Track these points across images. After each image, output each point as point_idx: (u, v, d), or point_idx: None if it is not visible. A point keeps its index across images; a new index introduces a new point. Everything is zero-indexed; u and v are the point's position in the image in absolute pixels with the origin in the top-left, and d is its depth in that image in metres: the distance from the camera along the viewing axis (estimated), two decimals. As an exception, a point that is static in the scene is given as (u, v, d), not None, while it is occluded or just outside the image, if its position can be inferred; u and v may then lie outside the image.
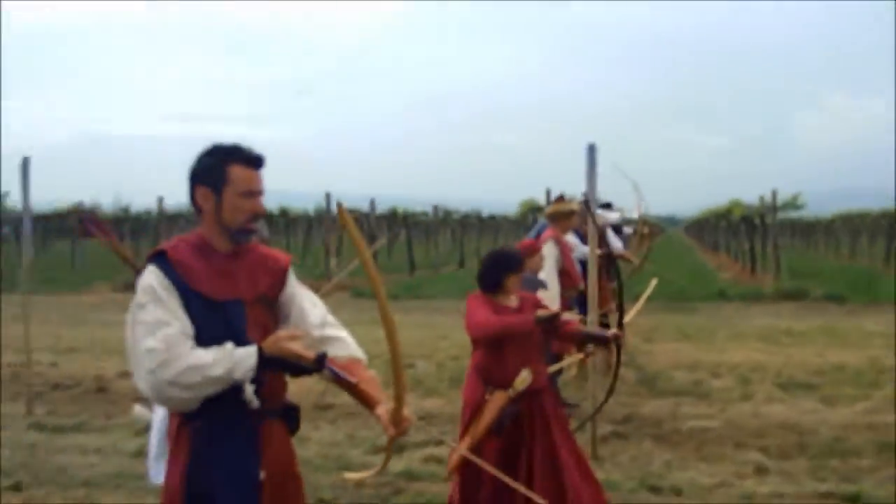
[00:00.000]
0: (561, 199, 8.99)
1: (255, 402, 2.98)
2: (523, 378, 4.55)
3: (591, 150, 7.08)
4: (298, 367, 2.97)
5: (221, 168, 3.06)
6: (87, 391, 9.59)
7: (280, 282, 3.21)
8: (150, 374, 2.90)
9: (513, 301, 5.00)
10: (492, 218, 39.97)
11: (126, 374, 10.11)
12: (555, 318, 4.84)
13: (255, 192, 3.09)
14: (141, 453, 7.10)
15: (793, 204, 20.66)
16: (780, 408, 8.60)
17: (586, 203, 10.51)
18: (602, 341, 5.28)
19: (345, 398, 8.97)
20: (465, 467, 4.76)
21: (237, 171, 3.06)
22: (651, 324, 14.11)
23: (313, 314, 3.23)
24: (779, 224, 49.33)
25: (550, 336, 5.17)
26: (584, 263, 8.62)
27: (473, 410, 4.73)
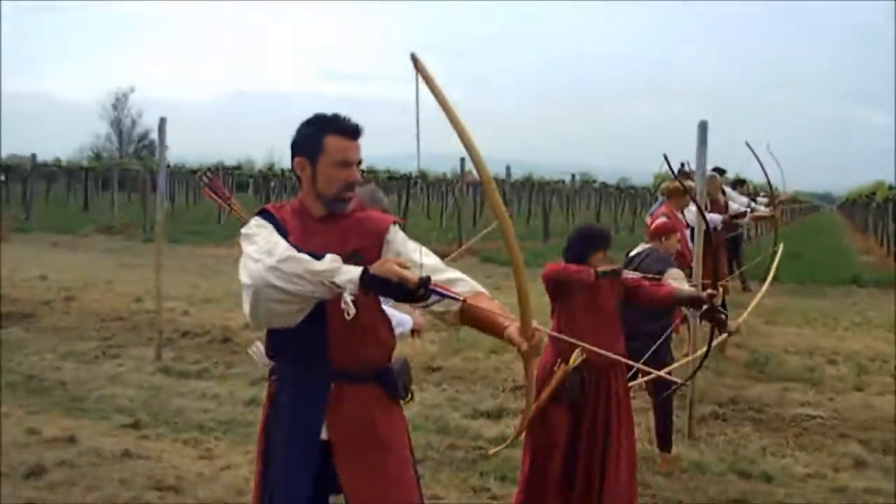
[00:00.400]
0: (687, 171, 8.93)
1: (352, 310, 2.88)
2: (575, 356, 4.63)
3: (703, 128, 7.03)
4: (403, 289, 2.87)
5: (317, 138, 3.16)
6: (213, 340, 10.07)
7: (375, 243, 3.21)
8: (255, 265, 2.92)
9: None
10: (631, 188, 39.49)
11: (249, 326, 10.62)
12: (617, 273, 4.90)
13: (349, 162, 3.17)
14: (254, 402, 7.52)
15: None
16: (894, 401, 8.35)
17: (714, 174, 10.43)
18: (696, 303, 5.10)
19: (454, 361, 9.25)
20: (535, 435, 4.91)
21: (332, 142, 3.15)
22: (775, 306, 13.81)
23: (428, 262, 3.16)
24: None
25: (639, 303, 5.19)
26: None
27: (543, 379, 4.86)
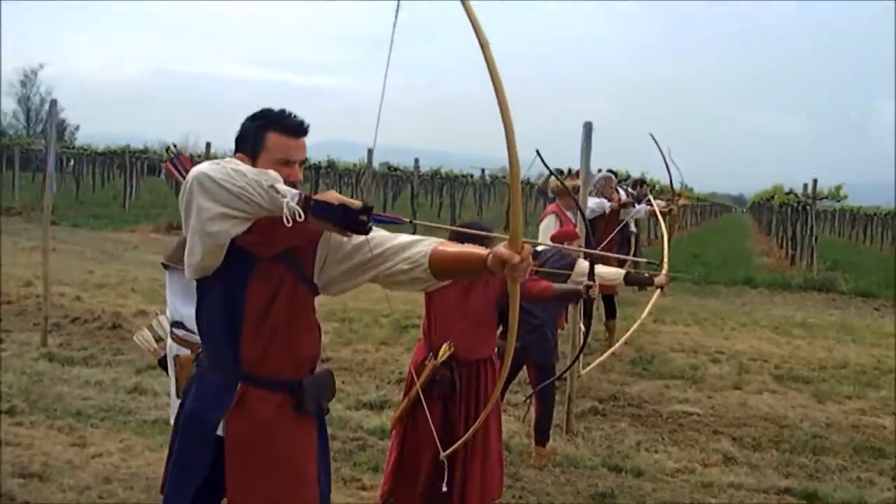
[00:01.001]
0: (565, 173, 9.12)
1: (299, 214, 2.75)
2: (444, 350, 4.75)
3: (588, 129, 7.17)
4: (345, 212, 2.77)
5: (260, 134, 3.05)
6: (102, 326, 9.91)
7: (309, 241, 3.09)
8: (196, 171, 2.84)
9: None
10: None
11: (142, 313, 10.51)
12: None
13: (290, 161, 3.07)
14: (137, 389, 7.49)
15: (835, 195, 20.37)
16: (770, 399, 8.64)
17: (609, 175, 10.67)
18: (574, 296, 5.45)
19: (344, 353, 9.28)
20: (405, 429, 5.00)
21: (274, 139, 3.04)
22: (665, 304, 14.17)
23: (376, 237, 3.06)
24: (834, 213, 48.51)
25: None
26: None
27: (415, 373, 4.95)
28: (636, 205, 11.21)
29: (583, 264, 6.14)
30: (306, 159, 3.17)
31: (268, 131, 3.04)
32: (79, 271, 13.46)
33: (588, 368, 7.44)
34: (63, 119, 70.92)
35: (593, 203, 9.48)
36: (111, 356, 8.70)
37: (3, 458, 5.67)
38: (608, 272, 6.30)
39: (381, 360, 8.99)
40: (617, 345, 7.11)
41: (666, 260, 6.90)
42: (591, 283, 5.40)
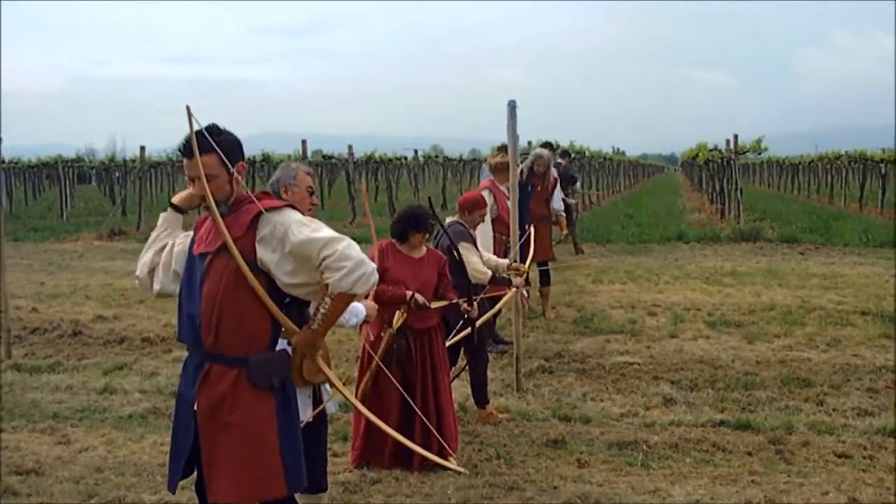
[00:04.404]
0: (503, 149, 9.52)
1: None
2: (398, 317, 5.28)
3: (512, 107, 7.52)
4: None
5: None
6: (63, 334, 10.16)
7: (244, 231, 3.56)
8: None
9: (418, 253, 5.72)
10: (475, 160, 40.37)
11: (101, 318, 10.81)
12: (424, 307, 5.61)
13: (191, 178, 3.70)
14: (107, 390, 7.83)
15: (756, 148, 21.14)
16: (704, 344, 9.24)
17: (542, 151, 11.19)
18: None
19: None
20: (371, 398, 5.51)
21: (184, 162, 3.69)
22: (602, 265, 14.83)
23: (311, 260, 3.50)
24: (761, 165, 49.74)
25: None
26: (524, 212, 9.29)
27: (370, 346, 5.46)
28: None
29: (465, 245, 6.69)
30: (209, 175, 3.59)
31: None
32: (30, 283, 13.65)
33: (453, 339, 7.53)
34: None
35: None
36: (76, 361, 8.99)
37: (-4, 459, 6.04)
38: (489, 265, 6.94)
39: (336, 340, 9.36)
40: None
41: (528, 266, 7.65)
42: (470, 308, 5.94)
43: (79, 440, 6.53)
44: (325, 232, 3.53)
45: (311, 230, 3.52)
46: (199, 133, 3.58)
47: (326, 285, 3.48)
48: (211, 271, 3.58)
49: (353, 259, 3.46)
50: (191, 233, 3.83)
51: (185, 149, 3.60)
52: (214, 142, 3.58)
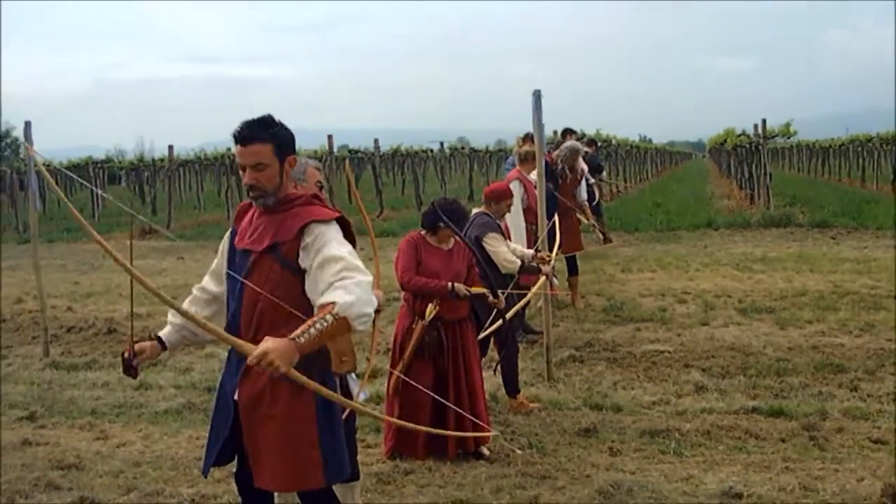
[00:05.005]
0: (529, 138, 9.52)
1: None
2: (430, 309, 5.32)
3: (537, 96, 7.55)
4: None
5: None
6: (98, 332, 10.35)
7: (292, 237, 3.56)
8: None
9: (447, 244, 5.76)
10: (501, 151, 40.34)
11: (134, 316, 10.90)
12: (465, 296, 5.65)
13: (242, 167, 3.64)
14: (143, 386, 7.92)
15: (785, 132, 20.98)
16: (735, 331, 9.20)
17: (576, 144, 11.22)
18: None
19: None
20: (405, 391, 5.56)
21: (236, 149, 3.63)
22: (631, 254, 14.81)
23: (325, 274, 3.46)
24: (791, 149, 49.27)
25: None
26: (554, 201, 9.28)
27: (401, 338, 5.52)
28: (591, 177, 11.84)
29: (493, 236, 6.79)
30: (261, 164, 3.58)
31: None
32: (65, 283, 13.86)
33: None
34: (16, 137, 70.23)
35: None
36: (112, 359, 9.11)
37: (37, 455, 6.16)
38: (518, 254, 7.00)
39: (367, 333, 9.39)
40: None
41: (555, 256, 7.60)
42: (497, 300, 5.91)
43: (116, 435, 6.64)
44: (357, 261, 3.52)
45: (347, 251, 3.53)
46: (254, 121, 3.60)
47: (323, 305, 3.37)
48: (255, 270, 3.62)
49: (368, 296, 3.42)
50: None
51: (237, 133, 3.60)
52: (269, 132, 3.59)
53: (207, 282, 3.95)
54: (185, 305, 3.85)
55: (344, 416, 3.91)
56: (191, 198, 37.11)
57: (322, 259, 3.48)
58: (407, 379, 5.28)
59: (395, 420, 4.82)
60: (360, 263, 3.48)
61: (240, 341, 3.44)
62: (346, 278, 3.38)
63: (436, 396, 5.28)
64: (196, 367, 8.50)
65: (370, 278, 3.47)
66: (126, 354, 3.70)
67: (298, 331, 3.28)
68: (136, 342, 3.73)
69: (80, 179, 22.74)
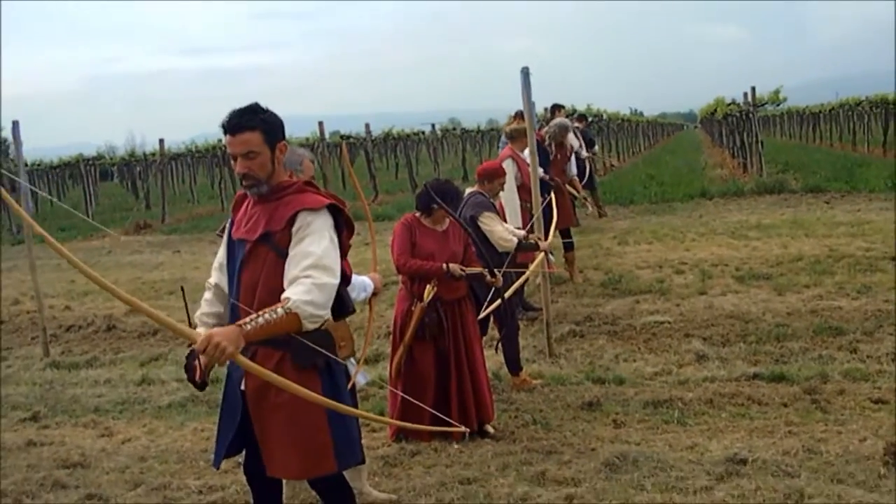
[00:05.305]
0: (519, 116, 9.50)
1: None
2: (428, 290, 5.33)
3: (525, 74, 7.52)
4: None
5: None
6: (98, 330, 10.33)
7: (283, 226, 3.57)
8: None
9: (442, 226, 5.76)
10: (493, 130, 40.28)
11: (133, 311, 10.92)
12: (461, 276, 5.65)
13: (234, 156, 3.63)
14: (145, 381, 7.94)
15: (775, 99, 20.95)
16: (733, 299, 9.23)
17: (565, 121, 11.22)
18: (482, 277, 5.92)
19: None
20: (407, 373, 5.58)
21: (226, 139, 3.62)
22: (626, 227, 14.82)
23: (293, 267, 3.50)
24: (782, 116, 49.27)
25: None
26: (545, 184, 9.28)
27: (401, 321, 5.53)
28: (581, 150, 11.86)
29: (488, 215, 6.80)
30: (252, 152, 3.57)
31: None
32: (62, 282, 13.81)
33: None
34: (5, 138, 69.98)
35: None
36: (113, 355, 9.13)
37: (42, 455, 6.16)
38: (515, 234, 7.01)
39: (366, 318, 9.41)
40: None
41: (552, 234, 7.91)
42: (494, 279, 5.87)
43: (121, 432, 6.65)
44: (330, 261, 3.52)
45: (322, 248, 3.52)
46: (242, 110, 3.59)
47: (282, 297, 3.43)
48: (251, 259, 3.64)
49: (325, 298, 3.46)
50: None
51: (225, 123, 3.59)
52: (257, 119, 3.58)
53: (218, 277, 3.90)
54: (205, 306, 3.87)
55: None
56: (184, 191, 37.02)
57: (297, 251, 3.52)
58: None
59: (390, 420, 4.83)
60: (331, 262, 3.51)
61: (183, 327, 3.42)
62: (310, 277, 3.43)
63: (443, 373, 5.32)
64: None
65: (336, 281, 3.51)
66: (198, 379, 3.63)
67: (247, 318, 3.35)
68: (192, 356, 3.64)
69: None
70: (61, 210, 31.89)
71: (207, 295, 3.91)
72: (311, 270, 3.44)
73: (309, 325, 3.41)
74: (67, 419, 7.07)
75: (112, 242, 19.49)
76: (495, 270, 5.84)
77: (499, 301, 6.19)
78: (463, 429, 4.89)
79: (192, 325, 3.61)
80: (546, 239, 7.41)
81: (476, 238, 6.16)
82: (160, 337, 9.68)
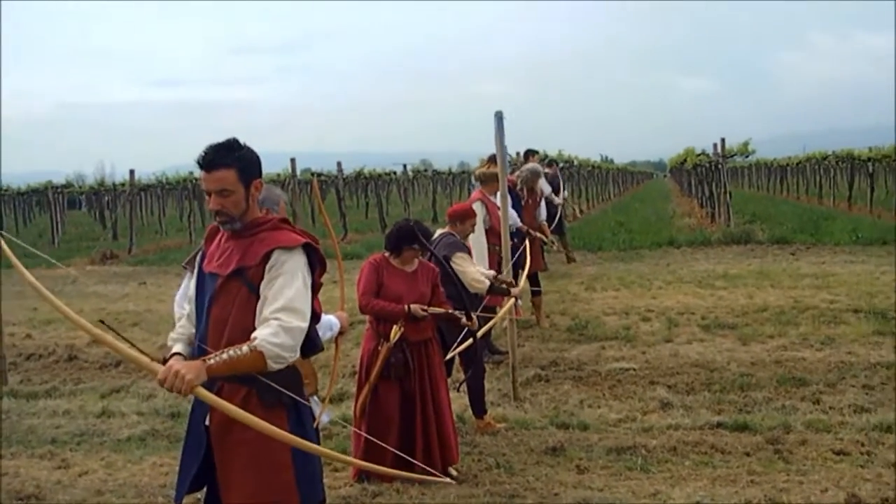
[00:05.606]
0: (492, 160, 9.56)
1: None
2: (395, 331, 5.31)
3: (499, 118, 7.54)
4: None
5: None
6: (59, 359, 10.18)
7: (257, 262, 3.53)
8: None
9: (411, 266, 5.75)
10: (464, 173, 40.44)
11: (96, 342, 10.77)
12: (423, 317, 5.63)
13: (207, 192, 3.59)
14: (105, 413, 7.82)
15: (744, 150, 21.24)
16: (699, 347, 9.28)
17: (536, 167, 11.29)
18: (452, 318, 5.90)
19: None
20: (372, 413, 5.54)
21: (200, 175, 3.58)
22: (594, 273, 14.89)
23: (265, 308, 3.47)
24: (750, 167, 49.90)
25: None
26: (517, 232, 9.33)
27: (367, 361, 5.50)
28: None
29: (460, 256, 6.85)
30: (225, 190, 3.52)
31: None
32: (23, 310, 13.63)
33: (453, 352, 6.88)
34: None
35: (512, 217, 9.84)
36: (73, 386, 8.98)
37: (-4, 486, 6.03)
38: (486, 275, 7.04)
39: (332, 356, 9.36)
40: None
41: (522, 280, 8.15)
42: (470, 322, 5.89)
43: (78, 464, 6.52)
44: (300, 303, 3.50)
45: (294, 290, 3.50)
46: (218, 146, 3.55)
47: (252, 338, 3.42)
48: (222, 294, 3.58)
49: (293, 341, 3.45)
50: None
51: (200, 160, 3.55)
52: (233, 157, 3.54)
53: (189, 310, 3.83)
54: (178, 329, 3.82)
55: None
56: (153, 222, 36.82)
57: (269, 291, 3.48)
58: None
59: (356, 461, 4.80)
60: (302, 305, 3.48)
61: (145, 359, 3.35)
62: (279, 319, 3.40)
63: (407, 414, 5.29)
64: (159, 394, 8.37)
65: (305, 325, 3.48)
66: None
67: (212, 354, 3.34)
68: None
69: None
70: (26, 237, 31.67)
71: (182, 321, 3.86)
72: (280, 313, 3.41)
73: (273, 366, 3.39)
74: (23, 450, 6.92)
75: (78, 272, 19.27)
76: (472, 314, 5.84)
77: (470, 341, 6.18)
78: (448, 480, 4.90)
79: (148, 356, 3.54)
80: (517, 284, 7.43)
81: (455, 277, 6.17)
82: (122, 369, 9.56)
